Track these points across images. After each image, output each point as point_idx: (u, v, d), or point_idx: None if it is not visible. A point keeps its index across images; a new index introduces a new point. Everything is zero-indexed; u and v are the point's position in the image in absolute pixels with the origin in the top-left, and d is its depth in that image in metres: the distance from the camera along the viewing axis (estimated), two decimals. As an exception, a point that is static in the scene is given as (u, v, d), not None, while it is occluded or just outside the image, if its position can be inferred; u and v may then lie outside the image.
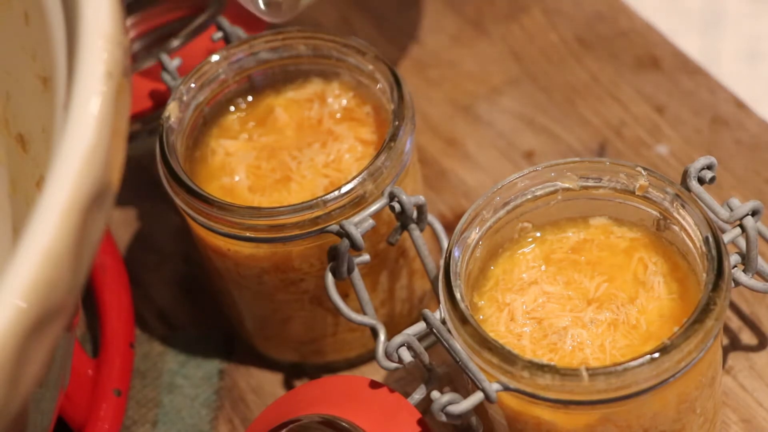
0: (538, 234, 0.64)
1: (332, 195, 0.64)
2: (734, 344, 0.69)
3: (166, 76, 0.73)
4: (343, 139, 0.69)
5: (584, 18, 0.85)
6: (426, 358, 0.63)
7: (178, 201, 0.66)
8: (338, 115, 0.70)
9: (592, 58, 0.83)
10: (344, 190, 0.64)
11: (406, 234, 0.67)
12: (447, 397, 0.59)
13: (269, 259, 0.67)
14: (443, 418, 0.59)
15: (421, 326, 0.62)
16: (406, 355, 0.62)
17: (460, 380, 0.66)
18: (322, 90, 0.71)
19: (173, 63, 0.73)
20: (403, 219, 0.66)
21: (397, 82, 0.67)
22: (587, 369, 0.56)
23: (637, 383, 0.56)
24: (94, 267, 0.74)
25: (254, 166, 0.69)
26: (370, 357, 0.72)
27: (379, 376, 0.70)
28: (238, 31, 0.73)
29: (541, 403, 0.57)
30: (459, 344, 0.59)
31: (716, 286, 0.58)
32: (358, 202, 0.65)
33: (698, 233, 0.60)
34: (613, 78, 0.81)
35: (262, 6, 0.67)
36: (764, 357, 0.69)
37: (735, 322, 0.70)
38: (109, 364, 0.71)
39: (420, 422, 0.62)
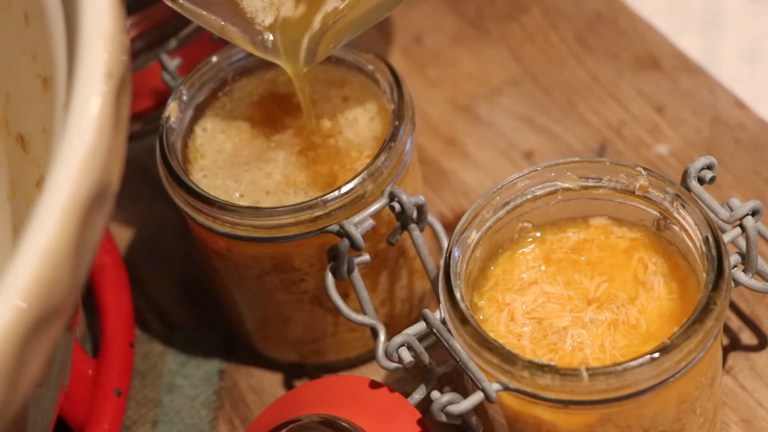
0: (538, 234, 0.64)
1: (332, 195, 0.64)
2: (734, 344, 0.69)
3: (166, 76, 0.73)
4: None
5: (584, 18, 0.85)
6: (426, 358, 0.63)
7: (178, 201, 0.66)
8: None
9: (592, 58, 0.83)
10: (344, 190, 0.64)
11: (406, 234, 0.67)
12: (447, 397, 0.59)
13: (269, 260, 0.67)
14: (443, 418, 0.59)
15: (421, 326, 0.62)
16: (406, 355, 0.62)
17: (460, 380, 0.66)
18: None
19: (173, 63, 0.73)
20: (403, 219, 0.66)
21: (397, 82, 0.67)
22: (587, 369, 0.56)
23: (637, 383, 0.56)
24: (94, 267, 0.74)
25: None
26: (370, 357, 0.72)
27: (379, 376, 0.70)
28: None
29: (541, 403, 0.57)
30: (459, 344, 0.59)
31: (716, 286, 0.58)
32: (358, 202, 0.65)
33: (698, 233, 0.60)
34: (613, 78, 0.81)
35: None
36: (764, 357, 0.69)
37: (735, 322, 0.70)
38: (109, 364, 0.71)
39: (420, 422, 0.62)
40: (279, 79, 0.71)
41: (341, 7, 0.66)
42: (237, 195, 0.67)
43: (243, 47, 0.67)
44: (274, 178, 0.67)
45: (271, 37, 0.66)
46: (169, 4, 0.66)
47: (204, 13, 0.66)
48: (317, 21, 0.66)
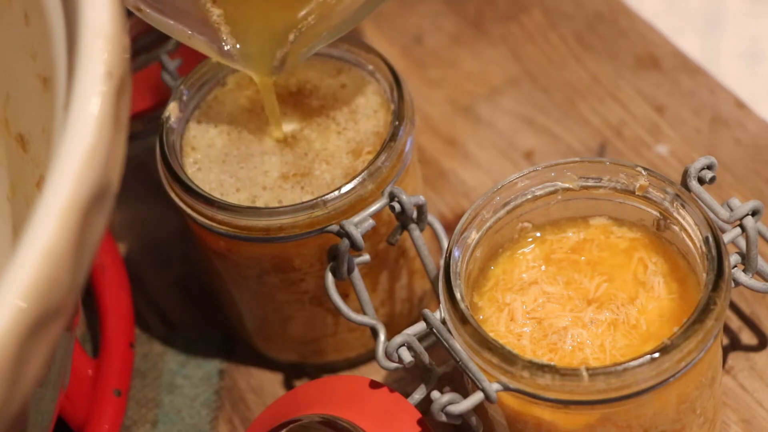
0: (538, 234, 0.64)
1: (332, 195, 0.64)
2: (734, 344, 0.69)
3: (166, 76, 0.73)
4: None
5: (584, 18, 0.85)
6: (426, 358, 0.63)
7: (178, 201, 0.66)
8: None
9: (592, 58, 0.83)
10: (344, 190, 0.64)
11: (406, 234, 0.67)
12: (447, 397, 0.59)
13: (269, 260, 0.67)
14: (443, 418, 0.59)
15: (421, 326, 0.62)
16: (406, 355, 0.62)
17: (460, 380, 0.66)
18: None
19: (173, 63, 0.73)
20: (403, 219, 0.66)
21: (397, 82, 0.67)
22: (587, 369, 0.56)
23: (637, 383, 0.56)
24: (94, 267, 0.74)
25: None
26: (370, 357, 0.72)
27: (379, 376, 0.70)
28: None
29: (541, 403, 0.57)
30: (459, 344, 0.59)
31: (716, 286, 0.58)
32: (358, 202, 0.65)
33: (698, 233, 0.60)
34: (613, 78, 0.81)
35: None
36: (764, 357, 0.69)
37: (735, 322, 0.70)
38: (109, 364, 0.71)
39: (420, 422, 0.62)
40: None
41: (309, 18, 0.65)
42: (234, 190, 0.67)
43: (211, 56, 0.67)
44: (270, 175, 0.67)
45: (237, 46, 0.66)
46: (136, 12, 0.66)
47: (171, 22, 0.66)
48: (285, 30, 0.65)
